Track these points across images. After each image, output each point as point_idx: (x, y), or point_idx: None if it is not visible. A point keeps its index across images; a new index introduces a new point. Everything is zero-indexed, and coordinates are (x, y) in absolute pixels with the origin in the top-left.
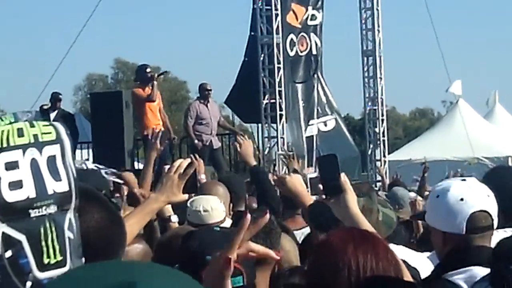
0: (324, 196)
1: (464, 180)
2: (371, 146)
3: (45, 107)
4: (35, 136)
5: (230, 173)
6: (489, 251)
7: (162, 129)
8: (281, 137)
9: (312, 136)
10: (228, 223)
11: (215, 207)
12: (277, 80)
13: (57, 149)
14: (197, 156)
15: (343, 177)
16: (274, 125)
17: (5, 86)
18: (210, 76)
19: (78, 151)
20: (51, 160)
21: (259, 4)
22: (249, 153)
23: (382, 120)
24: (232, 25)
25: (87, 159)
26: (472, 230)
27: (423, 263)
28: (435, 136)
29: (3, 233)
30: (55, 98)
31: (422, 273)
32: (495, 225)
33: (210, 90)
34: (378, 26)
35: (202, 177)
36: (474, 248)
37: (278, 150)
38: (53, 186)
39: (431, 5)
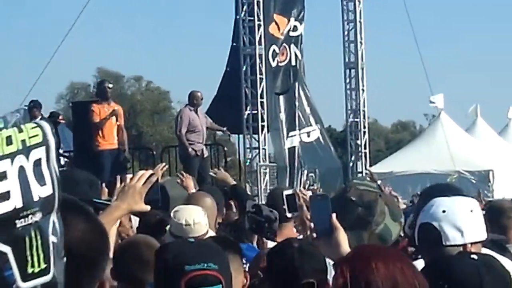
0: (314, 235)
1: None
2: (353, 158)
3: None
4: (23, 141)
5: (212, 186)
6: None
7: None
8: (263, 148)
9: (294, 147)
10: (211, 235)
11: (197, 221)
12: (259, 91)
13: (42, 151)
14: (184, 174)
15: (334, 217)
16: (256, 136)
17: None
18: (192, 86)
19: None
20: (37, 164)
21: (242, 15)
22: (226, 177)
23: (364, 132)
24: (214, 35)
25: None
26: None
27: None
28: (417, 149)
29: None
30: (34, 106)
31: None
32: (451, 240)
33: (202, 99)
34: (361, 38)
35: (193, 192)
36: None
37: (259, 161)
38: (38, 192)
39: (413, 18)
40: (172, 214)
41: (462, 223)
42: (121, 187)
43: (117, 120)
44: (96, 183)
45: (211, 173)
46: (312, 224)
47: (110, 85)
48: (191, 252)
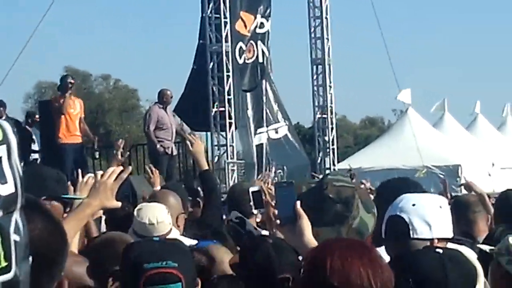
0: (278, 222)
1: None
2: (321, 154)
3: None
4: None
5: (175, 182)
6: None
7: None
8: (231, 145)
9: (262, 144)
10: (175, 233)
11: (161, 220)
12: (226, 88)
13: (3, 150)
14: (152, 168)
15: (298, 205)
16: (224, 133)
17: None
18: (160, 84)
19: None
20: None
21: (208, 12)
22: (201, 152)
23: (332, 128)
24: (181, 33)
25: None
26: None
27: None
28: (385, 144)
29: None
30: None
31: None
32: (419, 234)
33: (172, 97)
34: (327, 35)
35: (158, 189)
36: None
37: (227, 158)
38: None
39: (380, 14)
40: (135, 213)
41: (431, 217)
42: (91, 183)
43: (75, 112)
44: (63, 179)
45: (187, 142)
46: (276, 211)
47: (72, 80)
48: (152, 251)
